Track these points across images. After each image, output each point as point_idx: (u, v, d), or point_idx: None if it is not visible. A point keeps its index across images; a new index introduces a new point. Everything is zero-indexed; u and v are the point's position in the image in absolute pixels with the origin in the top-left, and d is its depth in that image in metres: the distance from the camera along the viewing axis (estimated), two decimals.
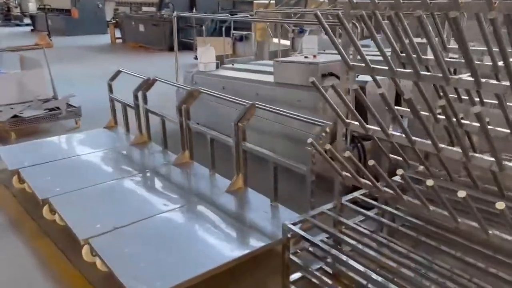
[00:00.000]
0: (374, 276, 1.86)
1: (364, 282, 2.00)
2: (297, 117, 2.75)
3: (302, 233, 2.21)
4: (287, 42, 8.47)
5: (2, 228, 3.13)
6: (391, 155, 2.38)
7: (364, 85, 3.46)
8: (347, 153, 2.05)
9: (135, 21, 13.57)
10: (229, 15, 7.81)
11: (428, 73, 1.92)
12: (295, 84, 3.64)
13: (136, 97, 4.11)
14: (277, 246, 2.54)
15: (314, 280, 2.27)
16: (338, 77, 3.52)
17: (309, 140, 2.15)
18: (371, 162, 1.93)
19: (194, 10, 12.31)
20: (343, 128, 2.35)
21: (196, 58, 10.89)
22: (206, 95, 3.58)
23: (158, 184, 3.38)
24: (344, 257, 2.02)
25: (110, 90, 4.61)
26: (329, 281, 2.17)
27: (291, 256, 2.30)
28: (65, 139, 4.38)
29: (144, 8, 13.28)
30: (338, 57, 3.57)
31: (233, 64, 5.36)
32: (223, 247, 2.48)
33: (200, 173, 3.48)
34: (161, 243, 2.54)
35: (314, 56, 3.73)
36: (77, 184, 3.26)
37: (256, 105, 3.05)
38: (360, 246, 2.10)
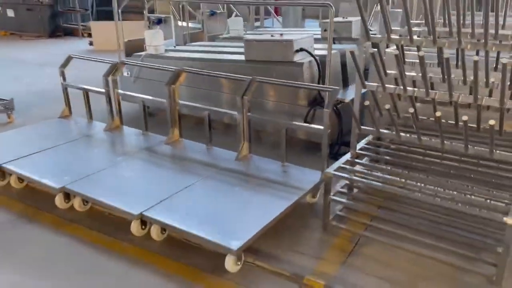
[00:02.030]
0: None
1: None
2: (304, 85, 3.22)
3: (345, 175, 2.75)
4: (193, 25, 8.70)
5: (17, 223, 2.99)
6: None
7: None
8: (366, 102, 2.65)
9: (2, 6, 12.12)
10: None
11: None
12: (270, 60, 4.06)
13: (106, 82, 4.08)
14: (311, 193, 3.04)
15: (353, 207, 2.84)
16: (308, 52, 4.06)
17: (346, 100, 2.67)
18: (387, 106, 2.55)
19: None
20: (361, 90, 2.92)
21: (91, 44, 10.37)
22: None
23: (165, 161, 3.53)
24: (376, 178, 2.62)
25: (63, 77, 4.42)
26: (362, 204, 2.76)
27: (333, 197, 2.82)
28: (25, 132, 4.11)
29: None
30: (302, 35, 4.13)
31: (175, 47, 5.50)
32: (272, 200, 2.87)
33: (198, 148, 3.72)
34: (212, 205, 2.82)
35: (281, 35, 4.18)
36: (85, 170, 3.25)
37: (257, 79, 3.43)
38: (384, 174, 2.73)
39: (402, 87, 2.64)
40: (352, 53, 2.56)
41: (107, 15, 13.99)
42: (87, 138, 3.93)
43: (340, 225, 2.85)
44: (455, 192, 2.54)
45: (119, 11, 5.26)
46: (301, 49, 4.03)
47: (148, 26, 7.35)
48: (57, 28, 12.05)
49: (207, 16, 7.97)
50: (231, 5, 8.25)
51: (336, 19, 5.77)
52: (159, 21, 7.30)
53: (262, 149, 3.75)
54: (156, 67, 4.09)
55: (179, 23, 8.19)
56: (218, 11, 7.84)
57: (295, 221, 2.96)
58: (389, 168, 2.89)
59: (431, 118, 3.04)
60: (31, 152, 3.56)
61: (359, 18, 5.79)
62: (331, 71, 4.08)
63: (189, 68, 3.78)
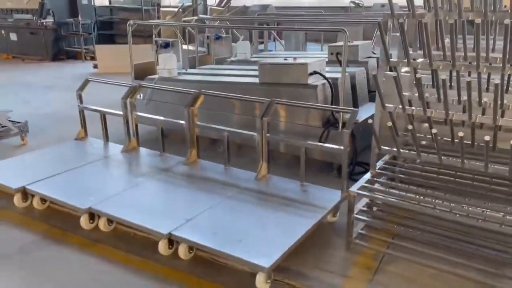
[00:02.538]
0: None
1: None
2: (324, 107, 3.33)
3: (369, 194, 2.83)
4: (200, 48, 8.88)
5: (43, 244, 3.02)
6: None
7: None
8: (370, 121, 2.77)
9: (5, 29, 12.28)
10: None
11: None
12: (284, 83, 4.19)
13: (125, 104, 4.16)
14: (331, 212, 3.11)
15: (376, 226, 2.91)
16: (321, 75, 4.20)
17: (370, 121, 2.79)
18: (410, 127, 2.66)
19: (79, 18, 11.74)
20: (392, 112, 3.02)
21: (95, 66, 10.50)
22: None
23: (186, 181, 3.59)
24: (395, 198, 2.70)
25: (80, 100, 4.51)
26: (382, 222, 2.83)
27: (356, 215, 2.90)
28: (44, 154, 4.16)
29: (16, 16, 12.08)
30: (315, 59, 4.26)
31: (186, 70, 5.63)
32: (297, 219, 2.94)
33: (217, 169, 3.79)
34: (238, 224, 2.87)
35: (294, 59, 4.32)
36: (108, 191, 3.31)
37: (276, 101, 3.54)
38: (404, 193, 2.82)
39: (421, 108, 2.76)
40: (374, 76, 2.68)
41: (108, 39, 14.23)
42: (106, 160, 4.00)
43: (363, 243, 2.91)
44: (475, 209, 2.63)
45: (130, 35, 5.37)
46: (315, 72, 4.16)
47: (156, 50, 7.53)
48: (60, 51, 12.20)
49: (213, 40, 8.15)
50: (234, 30, 8.46)
51: (341, 43, 5.96)
52: (166, 45, 7.49)
53: (274, 168, 3.81)
54: (175, 90, 4.20)
55: (184, 46, 8.38)
56: (223, 35, 8.04)
57: (317, 239, 3.02)
58: (408, 186, 2.97)
59: (445, 138, 3.15)
60: (53, 174, 3.61)
61: (364, 42, 5.98)
62: (345, 93, 4.22)
63: (208, 91, 3.89)
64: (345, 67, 3.87)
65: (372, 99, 5.19)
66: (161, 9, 8.89)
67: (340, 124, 3.96)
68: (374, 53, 6.13)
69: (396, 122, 2.92)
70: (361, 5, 9.30)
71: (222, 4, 12.90)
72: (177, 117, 4.10)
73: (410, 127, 2.62)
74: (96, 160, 3.96)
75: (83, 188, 3.40)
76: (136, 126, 4.25)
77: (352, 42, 6.00)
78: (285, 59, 4.39)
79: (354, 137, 4.04)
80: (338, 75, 4.34)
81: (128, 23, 5.26)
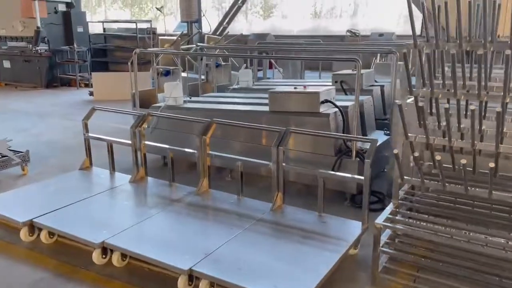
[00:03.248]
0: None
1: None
2: (341, 136, 3.29)
3: (397, 226, 2.76)
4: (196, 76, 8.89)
5: (53, 283, 2.86)
6: None
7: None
8: (395, 151, 2.73)
9: None
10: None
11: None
12: (295, 111, 4.16)
13: (134, 134, 4.08)
14: (354, 246, 3.02)
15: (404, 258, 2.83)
16: (333, 103, 4.18)
17: (395, 151, 2.75)
18: (438, 157, 2.63)
19: (75, 45, 11.71)
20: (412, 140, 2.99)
21: (91, 94, 10.42)
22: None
23: (200, 212, 3.49)
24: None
25: (86, 129, 4.41)
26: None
27: (383, 248, 2.81)
28: (48, 185, 4.02)
29: (10, 43, 12.01)
30: (325, 87, 4.26)
31: (190, 98, 5.59)
32: (320, 252, 2.85)
33: (230, 199, 3.70)
34: (261, 259, 2.77)
35: (304, 87, 4.31)
36: (121, 224, 3.19)
37: (291, 130, 3.50)
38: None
39: (444, 138, 2.73)
40: (400, 106, 2.65)
41: (102, 66, 14.21)
42: (115, 190, 3.88)
43: (389, 277, 2.82)
44: (502, 241, 2.57)
45: (136, 62, 5.34)
46: (326, 101, 4.15)
47: (156, 77, 7.50)
48: (54, 79, 12.11)
49: (213, 67, 8.17)
50: (231, 58, 8.50)
51: (345, 71, 6.00)
52: (167, 73, 7.45)
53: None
54: (186, 119, 4.13)
55: (183, 74, 8.38)
56: (223, 64, 8.06)
57: (339, 274, 2.92)
58: (429, 217, 2.91)
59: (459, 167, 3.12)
60: (61, 206, 3.48)
61: (367, 70, 6.02)
62: (352, 121, 4.21)
63: (220, 120, 3.83)
64: (358, 95, 3.86)
65: (378, 127, 5.20)
66: (160, 37, 8.87)
67: (354, 153, 3.92)
68: (376, 81, 6.17)
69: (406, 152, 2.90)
70: (357, 34, 9.47)
71: (218, 32, 13.04)
72: (183, 146, 4.07)
73: (438, 157, 2.58)
74: (104, 191, 3.84)
75: (93, 221, 3.28)
76: (145, 155, 4.15)
77: (354, 70, 6.05)
78: (295, 88, 4.38)
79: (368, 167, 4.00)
80: (345, 103, 4.34)
81: (134, 51, 5.23)
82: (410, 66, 3.12)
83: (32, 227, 3.30)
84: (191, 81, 7.98)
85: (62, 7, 12.52)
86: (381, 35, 9.18)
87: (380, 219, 2.80)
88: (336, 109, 4.17)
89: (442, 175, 2.73)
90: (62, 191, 3.82)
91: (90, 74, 11.90)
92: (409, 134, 2.87)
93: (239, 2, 12.77)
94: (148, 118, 4.14)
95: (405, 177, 2.93)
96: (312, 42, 8.31)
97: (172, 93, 5.01)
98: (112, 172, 4.31)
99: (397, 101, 2.67)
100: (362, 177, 3.16)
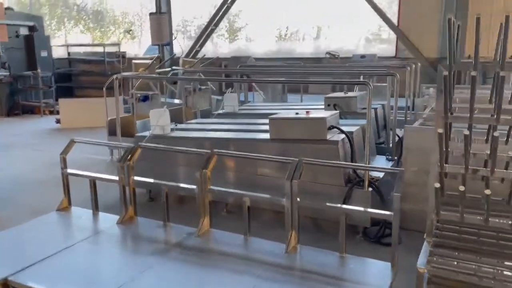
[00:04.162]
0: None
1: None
2: (371, 168, 2.98)
3: (443, 266, 2.44)
4: (176, 101, 8.49)
5: None
6: None
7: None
8: (437, 185, 2.44)
9: None
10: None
11: None
12: (299, 139, 3.84)
13: (122, 169, 3.61)
14: None
15: None
16: (340, 129, 3.89)
17: (437, 185, 2.44)
18: (462, 188, 2.36)
19: (38, 71, 11.05)
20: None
21: (58, 121, 9.75)
22: None
23: (205, 259, 3.05)
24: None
25: (64, 164, 3.90)
26: None
27: None
28: (22, 232, 3.47)
29: None
30: (328, 113, 3.98)
31: (176, 125, 5.18)
32: None
33: (236, 240, 3.28)
34: None
35: (307, 112, 4.00)
36: (117, 278, 2.70)
37: (304, 161, 3.15)
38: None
39: (490, 169, 2.46)
40: (440, 134, 2.37)
41: (66, 92, 13.51)
42: (101, 235, 3.38)
43: None
44: None
45: (117, 88, 4.90)
46: (333, 127, 3.86)
47: (132, 103, 7.03)
48: (15, 106, 11.37)
49: (190, 91, 7.81)
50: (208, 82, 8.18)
51: (338, 94, 5.78)
52: (145, 98, 7.02)
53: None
54: (182, 150, 3.72)
55: (162, 99, 7.97)
56: (203, 87, 7.71)
57: None
58: (475, 256, 2.61)
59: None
60: (40, 259, 2.94)
61: (360, 93, 5.81)
62: (356, 147, 3.93)
63: (222, 151, 3.45)
64: (369, 118, 3.59)
65: (379, 151, 4.96)
66: (134, 61, 8.43)
67: (366, 183, 3.62)
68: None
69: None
70: (336, 56, 9.37)
71: (191, 55, 12.72)
72: (172, 179, 3.70)
73: (487, 191, 2.29)
74: (90, 237, 3.33)
75: (80, 276, 2.77)
76: (134, 193, 3.69)
77: (347, 93, 5.84)
78: (297, 113, 4.07)
79: (381, 195, 3.71)
80: (348, 128, 4.06)
81: (115, 76, 4.80)
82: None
83: (7, 286, 2.76)
84: (168, 107, 7.58)
85: (24, 31, 11.86)
86: (363, 56, 9.13)
87: (421, 261, 2.47)
88: (343, 135, 3.88)
89: (488, 208, 2.45)
90: (40, 239, 3.29)
91: (55, 100, 11.26)
92: (447, 165, 2.59)
93: (212, 25, 12.55)
94: (137, 151, 3.69)
95: (444, 212, 2.64)
96: (292, 64, 8.13)
97: (159, 120, 4.58)
98: (95, 213, 3.80)
99: (439, 130, 2.37)
100: (391, 213, 2.83)
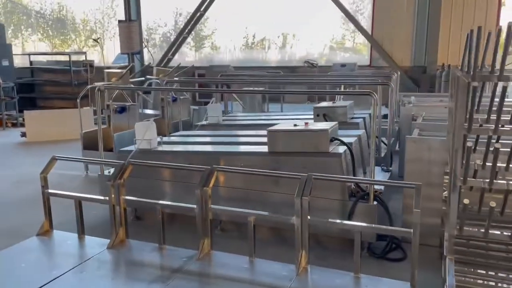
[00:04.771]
0: None
1: None
2: (386, 183, 2.83)
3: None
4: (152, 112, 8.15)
5: None
6: None
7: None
8: (466, 201, 2.34)
9: None
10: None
11: None
12: (299, 152, 3.67)
13: (112, 188, 3.32)
14: None
15: None
16: (341, 141, 3.75)
17: (466, 201, 2.33)
18: (493, 204, 2.27)
19: (0, 81, 10.40)
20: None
21: (23, 135, 9.16)
22: None
23: (210, 284, 2.81)
24: None
25: (46, 184, 3.55)
26: None
27: None
28: (4, 259, 3.10)
29: None
30: (329, 125, 3.84)
31: (161, 138, 4.89)
32: None
33: (241, 263, 3.06)
34: None
35: (306, 124, 3.84)
36: None
37: (314, 176, 2.98)
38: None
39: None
40: (469, 148, 2.26)
41: (29, 103, 12.81)
42: (92, 263, 3.06)
43: None
44: None
45: (99, 100, 4.58)
46: (334, 139, 3.71)
47: (109, 115, 6.66)
48: None
49: (168, 102, 7.51)
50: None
51: (326, 104, 5.65)
52: (122, 110, 6.65)
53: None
54: (180, 167, 3.46)
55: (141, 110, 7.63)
56: (181, 97, 7.42)
57: None
58: (498, 273, 2.52)
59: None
60: None
61: (348, 102, 5.72)
62: (355, 158, 3.81)
63: (224, 167, 3.22)
64: (374, 130, 3.46)
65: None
66: (106, 70, 8.04)
67: (371, 196, 3.49)
68: (354, 113, 5.89)
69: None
70: (315, 65, 9.31)
71: (162, 64, 12.38)
72: (160, 196, 3.53)
73: None
74: (79, 264, 3.01)
75: None
76: (125, 213, 3.40)
77: (335, 102, 5.74)
78: (295, 125, 3.90)
79: (387, 209, 3.58)
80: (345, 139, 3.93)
81: (97, 88, 4.48)
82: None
83: None
84: (145, 118, 7.24)
85: None
86: (343, 65, 9.13)
87: (450, 282, 2.34)
88: (344, 147, 3.75)
89: None
90: (21, 269, 2.94)
91: (18, 112, 10.64)
92: (471, 179, 2.48)
93: (185, 33, 12.26)
94: (129, 168, 3.40)
95: (467, 228, 2.52)
96: (273, 73, 7.99)
97: (146, 134, 4.29)
98: (81, 237, 3.48)
99: (469, 144, 2.26)
100: (410, 230, 2.69)
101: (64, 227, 3.69)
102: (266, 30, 13.88)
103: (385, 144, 5.43)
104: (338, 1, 10.62)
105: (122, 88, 5.90)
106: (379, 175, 4.41)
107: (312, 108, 5.46)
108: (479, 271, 2.60)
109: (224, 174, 3.39)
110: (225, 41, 14.45)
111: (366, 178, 3.46)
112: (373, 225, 2.91)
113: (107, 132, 6.05)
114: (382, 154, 5.15)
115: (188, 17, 12.60)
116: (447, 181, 3.21)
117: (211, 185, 3.14)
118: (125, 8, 12.26)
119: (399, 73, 7.01)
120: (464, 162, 2.35)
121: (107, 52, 15.34)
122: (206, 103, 9.37)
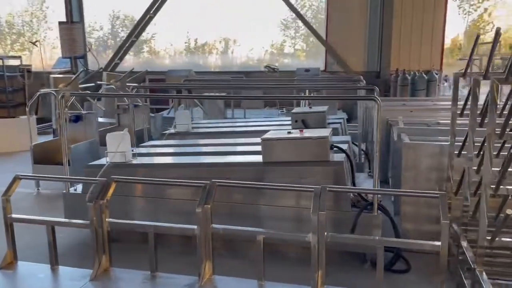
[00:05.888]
0: None
1: None
2: (409, 193, 2.66)
3: None
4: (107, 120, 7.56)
5: None
6: None
7: None
8: (509, 211, 2.22)
9: None
10: None
11: None
12: (298, 161, 3.43)
13: (94, 210, 2.86)
14: None
15: None
16: (340, 149, 3.56)
17: (509, 211, 2.20)
18: (509, 212, 2.19)
19: None
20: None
21: None
22: None
23: None
24: None
25: (9, 208, 3.01)
26: None
27: None
28: None
29: None
30: (327, 131, 3.66)
31: (133, 150, 4.43)
32: None
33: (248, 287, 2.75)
34: None
35: (301, 131, 3.61)
36: None
37: (328, 188, 2.74)
38: None
39: None
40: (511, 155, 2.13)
41: None
42: None
43: None
44: None
45: (63, 108, 4.05)
46: (334, 146, 3.52)
47: (61, 125, 6.01)
48: None
49: (122, 110, 7.02)
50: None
51: (304, 109, 5.47)
52: (77, 119, 6.04)
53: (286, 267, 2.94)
54: (176, 183, 3.07)
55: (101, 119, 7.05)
56: (140, 104, 6.92)
57: None
58: None
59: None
60: None
61: (325, 107, 5.57)
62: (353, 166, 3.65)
63: (224, 181, 2.89)
64: (378, 136, 3.30)
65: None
66: (52, 76, 7.33)
67: (375, 206, 3.32)
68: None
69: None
70: (276, 69, 9.16)
71: (109, 69, 11.65)
72: (133, 215, 3.26)
73: None
74: None
75: None
76: (108, 237, 2.95)
77: (311, 107, 5.57)
78: (289, 132, 3.65)
79: (392, 220, 3.43)
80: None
81: (60, 95, 3.95)
82: None
83: None
84: (101, 127, 6.66)
85: None
86: (307, 70, 9.04)
87: None
88: (343, 155, 3.56)
89: None
90: None
91: None
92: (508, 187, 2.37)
93: (133, 37, 11.62)
94: (112, 186, 2.96)
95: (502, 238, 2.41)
96: (235, 78, 7.71)
97: (120, 146, 3.83)
98: (55, 268, 2.98)
99: None
100: (438, 243, 2.53)
101: (28, 257, 3.17)
102: (207, 35, 13.86)
103: (363, 150, 5.34)
104: (295, 9, 10.65)
105: (91, 94, 5.34)
106: (367, 182, 4.28)
107: (278, 113, 5.28)
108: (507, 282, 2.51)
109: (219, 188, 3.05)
110: (165, 46, 14.20)
111: (385, 189, 3.28)
112: (397, 239, 2.73)
113: (58, 144, 5.45)
114: (362, 160, 5.06)
115: (136, 21, 11.99)
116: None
117: (211, 202, 2.80)
118: (66, 9, 11.39)
119: (361, 77, 7.03)
120: (502, 170, 2.22)
121: (38, 56, 14.34)
122: (159, 110, 8.89)
